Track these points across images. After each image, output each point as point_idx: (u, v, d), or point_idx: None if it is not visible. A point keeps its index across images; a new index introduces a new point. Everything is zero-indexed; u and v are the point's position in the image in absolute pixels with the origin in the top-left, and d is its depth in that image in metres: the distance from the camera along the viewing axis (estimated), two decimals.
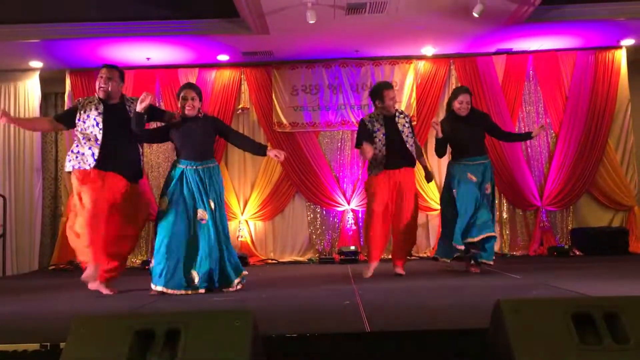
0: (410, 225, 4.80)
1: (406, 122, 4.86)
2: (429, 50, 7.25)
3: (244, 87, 7.57)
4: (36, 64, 7.24)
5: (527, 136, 5.22)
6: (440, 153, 5.03)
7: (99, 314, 2.81)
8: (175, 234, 3.94)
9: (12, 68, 7.32)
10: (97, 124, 4.03)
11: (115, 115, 4.11)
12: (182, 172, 4.08)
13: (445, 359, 2.11)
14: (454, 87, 7.44)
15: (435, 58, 7.48)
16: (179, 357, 1.69)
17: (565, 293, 3.30)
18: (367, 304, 3.03)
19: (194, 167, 4.09)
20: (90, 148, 3.99)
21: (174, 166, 4.17)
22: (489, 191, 4.82)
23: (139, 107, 3.98)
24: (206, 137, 4.20)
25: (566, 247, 6.97)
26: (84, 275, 3.95)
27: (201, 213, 4.02)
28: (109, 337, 1.75)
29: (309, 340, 2.19)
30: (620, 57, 7.34)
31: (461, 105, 4.85)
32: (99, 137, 4.01)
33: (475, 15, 5.77)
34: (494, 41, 7.03)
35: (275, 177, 7.47)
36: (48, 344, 2.13)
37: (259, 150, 4.29)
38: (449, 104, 4.99)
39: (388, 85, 4.87)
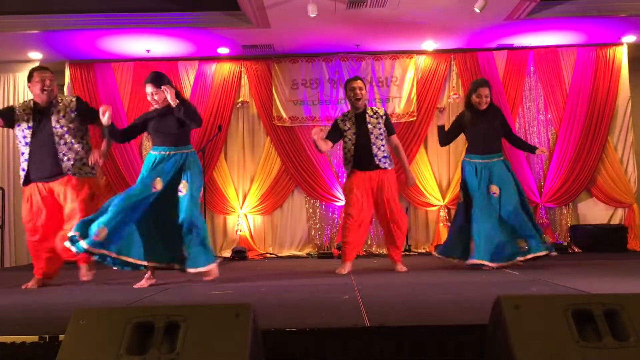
0: (397, 225, 4.71)
1: (379, 122, 4.69)
2: (429, 45, 7.23)
3: (244, 80, 7.56)
4: (35, 55, 7.21)
5: (532, 149, 5.06)
6: (443, 142, 4.98)
7: (99, 306, 2.81)
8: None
9: (12, 59, 7.30)
10: (25, 137, 4.14)
11: (44, 121, 4.18)
12: (154, 158, 4.06)
13: (444, 355, 2.11)
14: (454, 82, 7.45)
15: (436, 53, 7.47)
16: (178, 350, 1.68)
17: (564, 290, 3.31)
18: (366, 299, 3.03)
19: (167, 153, 4.05)
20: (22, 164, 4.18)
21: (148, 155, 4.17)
22: (496, 194, 4.66)
23: (105, 121, 3.97)
24: (178, 125, 4.10)
25: (565, 244, 6.98)
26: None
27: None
28: (108, 329, 1.74)
29: (308, 334, 2.19)
30: (621, 54, 7.34)
31: (480, 99, 4.73)
32: (26, 151, 4.15)
33: (477, 10, 5.76)
34: (495, 37, 7.02)
35: (274, 171, 7.47)
36: (47, 336, 2.12)
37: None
38: (468, 97, 4.83)
39: (352, 78, 4.80)
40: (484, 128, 4.77)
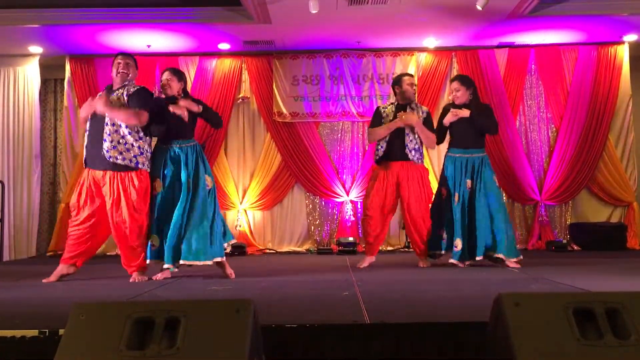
0: (422, 218, 4.79)
1: (419, 118, 4.82)
2: (431, 42, 7.22)
3: (245, 76, 7.54)
4: (36, 49, 7.18)
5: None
6: (438, 140, 4.98)
7: (99, 301, 2.81)
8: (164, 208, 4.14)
9: (12, 53, 7.27)
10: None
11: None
12: (165, 150, 4.23)
13: (444, 352, 2.11)
14: None
15: (437, 50, 7.45)
16: (178, 345, 1.68)
17: (565, 288, 3.31)
18: (366, 296, 3.03)
19: (174, 146, 4.24)
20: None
21: (157, 148, 4.28)
22: (469, 187, 4.69)
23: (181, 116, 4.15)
24: (181, 118, 4.22)
25: (564, 241, 6.98)
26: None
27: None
28: (108, 324, 1.74)
29: (307, 330, 2.18)
30: (623, 52, 7.32)
31: (452, 94, 4.87)
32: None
33: (479, 8, 5.75)
34: (496, 35, 7.00)
35: (274, 167, 7.46)
36: (47, 330, 2.12)
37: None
38: None
39: (408, 74, 5.09)
40: (465, 123, 4.77)
